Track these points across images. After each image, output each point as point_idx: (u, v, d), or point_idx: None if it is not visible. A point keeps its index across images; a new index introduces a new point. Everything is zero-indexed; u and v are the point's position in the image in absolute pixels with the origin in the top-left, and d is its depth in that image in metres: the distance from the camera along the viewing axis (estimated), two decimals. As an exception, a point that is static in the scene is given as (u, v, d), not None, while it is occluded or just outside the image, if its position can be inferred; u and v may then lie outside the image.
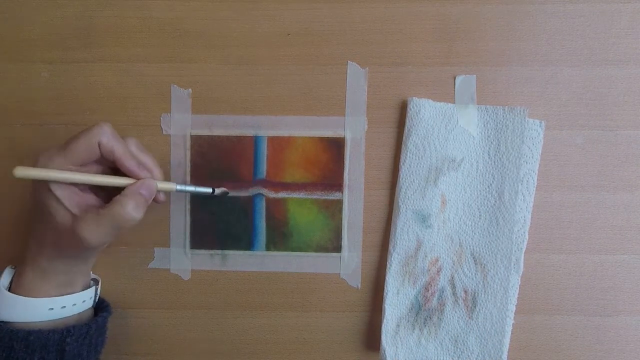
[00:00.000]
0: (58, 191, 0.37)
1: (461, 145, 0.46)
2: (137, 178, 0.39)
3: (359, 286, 0.48)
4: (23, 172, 0.35)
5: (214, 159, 0.47)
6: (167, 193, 0.45)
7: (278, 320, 0.48)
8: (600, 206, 0.47)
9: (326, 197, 0.47)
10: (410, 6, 0.46)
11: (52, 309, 0.39)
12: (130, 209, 0.37)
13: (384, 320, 0.46)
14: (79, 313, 0.41)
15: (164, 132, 0.47)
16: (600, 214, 0.47)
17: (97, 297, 0.44)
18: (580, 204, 0.47)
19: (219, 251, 0.48)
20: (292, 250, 0.48)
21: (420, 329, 0.46)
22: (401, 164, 0.46)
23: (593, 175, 0.46)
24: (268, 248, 0.47)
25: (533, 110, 0.46)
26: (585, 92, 0.46)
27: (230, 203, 0.47)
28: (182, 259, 0.48)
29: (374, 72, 0.47)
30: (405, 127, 0.46)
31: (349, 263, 0.47)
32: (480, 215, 0.46)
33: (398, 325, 0.46)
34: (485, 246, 0.46)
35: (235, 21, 0.47)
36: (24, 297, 0.38)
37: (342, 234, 0.47)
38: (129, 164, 0.39)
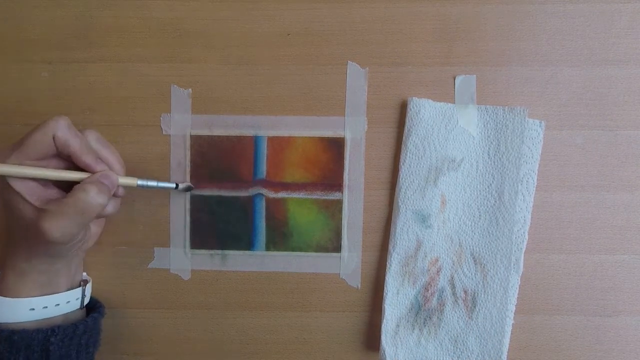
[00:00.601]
0: (17, 185, 0.36)
1: (461, 145, 0.46)
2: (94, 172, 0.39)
3: (359, 286, 0.48)
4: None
5: (214, 159, 0.47)
6: (137, 188, 0.44)
7: (278, 320, 0.48)
8: (600, 206, 0.47)
9: (326, 197, 0.47)
10: (410, 6, 0.46)
11: (34, 309, 0.38)
12: (94, 193, 0.36)
13: (384, 320, 0.46)
14: (65, 314, 0.40)
15: (164, 132, 0.47)
16: (600, 214, 0.47)
17: (86, 299, 0.43)
18: (580, 204, 0.47)
19: (219, 251, 0.48)
20: (292, 250, 0.48)
21: (420, 329, 0.46)
22: (401, 164, 0.46)
23: (593, 175, 0.46)
24: (268, 248, 0.47)
25: (533, 110, 0.46)
26: (585, 92, 0.46)
27: (230, 203, 0.47)
28: (182, 259, 0.48)
29: (374, 72, 0.47)
30: (405, 127, 0.46)
31: (349, 263, 0.47)
32: (480, 216, 0.46)
33: (398, 325, 0.46)
34: (485, 246, 0.46)
35: (235, 21, 0.47)
36: (4, 298, 0.37)
37: (342, 234, 0.47)
38: (85, 158, 0.38)
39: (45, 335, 0.37)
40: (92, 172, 0.38)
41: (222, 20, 0.47)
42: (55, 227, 0.35)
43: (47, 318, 0.39)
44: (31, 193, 0.37)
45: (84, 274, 0.45)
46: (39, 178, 0.37)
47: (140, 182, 0.42)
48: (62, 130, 0.36)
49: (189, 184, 0.46)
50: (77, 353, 0.40)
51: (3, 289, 0.38)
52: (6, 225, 0.40)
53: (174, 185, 0.44)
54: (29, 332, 0.37)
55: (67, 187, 0.39)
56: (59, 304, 0.39)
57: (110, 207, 0.41)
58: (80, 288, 0.42)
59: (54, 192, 0.39)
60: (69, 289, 0.41)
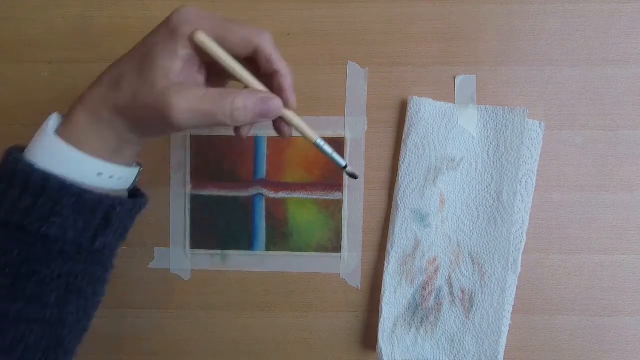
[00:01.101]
0: (187, 51, 0.31)
1: (461, 145, 0.46)
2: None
3: (359, 286, 0.48)
4: (204, 38, 0.31)
5: (214, 159, 0.47)
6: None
7: (278, 320, 0.48)
8: (600, 206, 0.47)
9: (326, 197, 0.47)
10: (410, 6, 0.46)
11: (101, 174, 0.33)
12: (242, 103, 0.32)
13: (381, 319, 0.46)
14: (115, 190, 0.35)
15: (164, 132, 0.47)
16: (600, 214, 0.47)
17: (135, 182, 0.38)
18: (580, 204, 0.47)
19: (219, 251, 0.48)
20: (292, 250, 0.48)
21: (417, 328, 0.46)
22: (400, 162, 0.46)
23: (593, 175, 0.46)
24: (268, 248, 0.48)
25: (533, 110, 0.46)
26: (585, 92, 0.46)
27: (230, 203, 0.47)
28: (182, 259, 0.48)
29: (374, 72, 0.47)
30: (405, 126, 0.46)
31: (349, 263, 0.47)
32: (478, 216, 0.46)
33: (395, 324, 0.46)
34: (483, 246, 0.46)
35: (235, 21, 0.47)
36: (77, 151, 0.32)
37: (342, 234, 0.47)
38: (281, 65, 0.33)
39: (112, 204, 0.33)
40: (276, 90, 0.34)
41: (222, 20, 0.47)
42: (183, 104, 0.31)
43: (105, 189, 0.34)
44: (188, 66, 0.32)
45: None
46: (226, 68, 0.33)
47: (319, 140, 0.37)
48: (269, 44, 0.33)
49: (355, 173, 0.40)
50: (122, 231, 0.36)
51: (72, 135, 0.32)
52: (119, 68, 0.33)
53: (344, 164, 0.38)
54: (97, 195, 0.32)
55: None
56: (122, 177, 0.34)
57: (245, 130, 0.36)
58: (139, 168, 0.37)
59: (199, 78, 0.34)
60: (126, 166, 0.35)
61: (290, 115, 0.35)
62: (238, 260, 0.48)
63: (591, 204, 0.47)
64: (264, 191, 0.47)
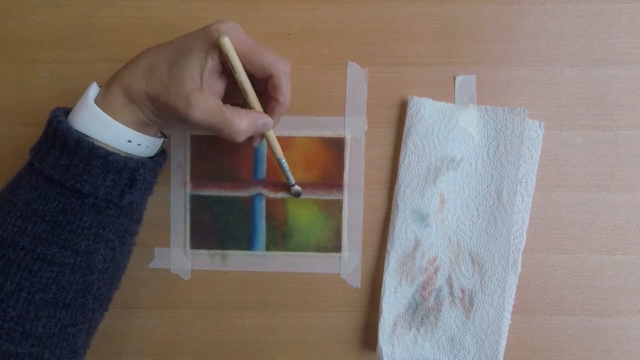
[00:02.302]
0: (215, 62, 0.37)
1: (461, 145, 0.46)
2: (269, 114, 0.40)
3: (359, 286, 0.48)
4: (227, 44, 0.36)
5: (214, 159, 0.47)
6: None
7: (278, 320, 0.48)
8: (600, 206, 0.47)
9: (326, 197, 0.47)
10: (410, 6, 0.46)
11: (131, 142, 0.38)
12: (244, 127, 0.38)
13: (381, 319, 0.46)
14: (143, 157, 0.40)
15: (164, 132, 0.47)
16: (600, 214, 0.47)
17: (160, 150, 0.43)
18: (580, 204, 0.47)
19: (219, 251, 0.48)
20: (292, 250, 0.48)
21: (417, 328, 0.46)
22: (400, 162, 0.46)
23: (593, 175, 0.46)
24: (268, 248, 0.48)
25: (533, 110, 0.46)
26: (585, 92, 0.46)
27: (230, 203, 0.47)
28: (182, 259, 0.48)
29: (374, 72, 0.47)
30: (405, 126, 0.46)
31: (349, 263, 0.47)
32: (478, 215, 0.46)
33: (395, 324, 0.46)
34: (483, 246, 0.46)
35: (235, 21, 0.46)
36: (111, 119, 0.37)
37: (342, 234, 0.47)
38: (277, 110, 0.40)
39: (137, 165, 0.38)
40: (268, 111, 0.40)
41: (222, 20, 0.47)
42: (199, 110, 0.36)
43: (132, 154, 0.39)
44: (216, 77, 0.38)
45: None
46: (236, 77, 0.38)
47: (282, 159, 0.44)
48: (284, 75, 0.39)
49: (300, 190, 0.47)
50: (152, 184, 0.41)
51: (106, 105, 0.37)
52: (156, 58, 0.38)
53: (292, 182, 0.46)
54: (123, 158, 0.37)
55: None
56: (149, 146, 0.40)
57: (257, 141, 0.43)
58: (163, 139, 0.42)
59: (219, 86, 0.39)
60: (152, 136, 0.41)
61: (270, 133, 0.42)
62: (238, 260, 0.48)
63: (591, 204, 0.47)
64: (264, 191, 0.47)
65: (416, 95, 0.46)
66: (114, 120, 0.37)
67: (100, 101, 0.37)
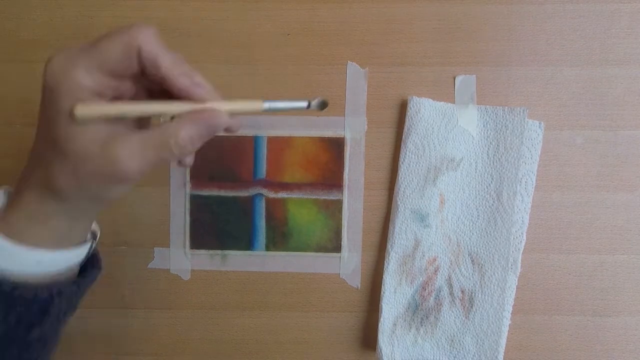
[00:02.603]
0: (84, 94, 0.28)
1: (460, 145, 0.46)
2: (191, 99, 0.30)
3: (359, 286, 0.48)
4: (83, 111, 0.27)
5: (214, 159, 0.47)
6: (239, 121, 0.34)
7: (278, 320, 0.48)
8: (600, 206, 0.47)
9: (326, 197, 0.47)
10: (410, 6, 0.46)
11: (41, 262, 0.31)
12: (187, 138, 0.29)
13: (381, 319, 0.46)
14: (60, 273, 0.32)
15: (164, 132, 0.47)
16: (600, 214, 0.47)
17: (91, 252, 0.35)
18: (580, 204, 0.47)
19: (219, 251, 0.48)
20: (292, 250, 0.48)
21: (417, 329, 0.46)
22: (400, 162, 0.46)
23: (593, 175, 0.46)
24: (268, 248, 0.48)
25: (533, 110, 0.46)
26: (585, 92, 0.46)
27: (230, 203, 0.47)
28: (182, 259, 0.48)
29: (374, 72, 0.47)
30: (405, 126, 0.46)
31: (349, 263, 0.47)
32: (478, 215, 0.46)
33: (395, 325, 0.46)
34: (482, 246, 0.46)
35: (235, 21, 0.47)
36: (12, 244, 0.29)
37: (342, 234, 0.47)
38: (181, 80, 0.29)
39: (50, 295, 0.30)
40: (190, 97, 0.30)
41: (222, 20, 0.47)
42: (133, 157, 0.28)
43: (47, 271, 0.31)
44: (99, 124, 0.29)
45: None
46: (125, 116, 0.29)
47: (267, 104, 0.32)
48: (150, 42, 0.28)
49: (323, 99, 0.34)
50: (67, 311, 0.33)
51: (9, 229, 0.30)
52: (36, 149, 0.30)
53: (305, 104, 0.34)
54: (32, 288, 0.30)
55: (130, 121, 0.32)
56: (69, 260, 0.32)
57: (189, 160, 0.34)
58: (90, 243, 0.34)
59: (120, 126, 0.30)
60: (80, 241, 0.33)
61: (227, 108, 0.31)
62: (238, 260, 0.48)
63: (591, 204, 0.47)
64: (264, 191, 0.47)
65: (416, 95, 0.46)
66: (16, 245, 0.29)
67: (3, 218, 0.30)
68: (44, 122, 0.29)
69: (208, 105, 0.30)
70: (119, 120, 0.30)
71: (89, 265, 0.35)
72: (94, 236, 0.35)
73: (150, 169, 0.30)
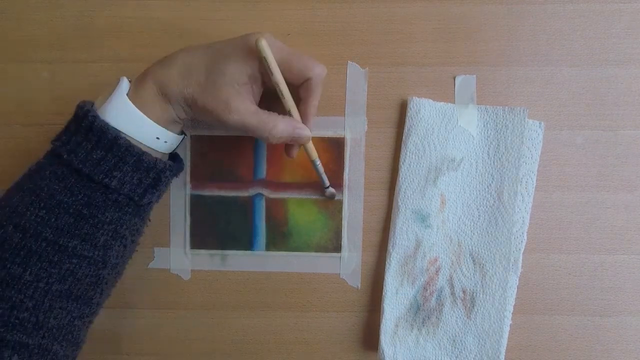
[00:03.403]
0: (253, 70, 0.38)
1: (461, 145, 0.46)
2: (301, 114, 0.41)
3: (359, 286, 0.48)
4: (265, 46, 0.37)
5: (214, 159, 0.47)
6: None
7: (278, 320, 0.48)
8: (600, 206, 0.47)
9: (326, 197, 0.47)
10: (410, 6, 0.46)
11: (159, 138, 0.39)
12: (279, 130, 0.39)
13: (383, 320, 0.46)
14: (163, 153, 0.41)
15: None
16: (600, 214, 0.47)
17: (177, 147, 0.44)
18: (580, 204, 0.47)
19: (219, 251, 0.48)
20: (292, 250, 0.48)
21: (418, 329, 0.46)
22: (401, 163, 0.46)
23: (593, 175, 0.46)
24: (268, 248, 0.48)
25: (533, 110, 0.46)
26: (585, 92, 0.46)
27: (230, 203, 0.47)
28: (182, 259, 0.48)
29: (374, 72, 0.47)
30: (405, 127, 0.46)
31: (349, 263, 0.47)
32: (479, 216, 0.46)
33: (397, 325, 0.46)
34: (484, 246, 0.46)
35: (235, 21, 0.47)
36: (144, 116, 0.37)
37: (342, 234, 0.47)
38: (308, 106, 0.41)
39: (164, 167, 0.39)
40: (302, 112, 0.41)
41: (222, 20, 0.47)
42: (237, 114, 0.38)
43: (155, 149, 0.40)
44: (252, 85, 0.40)
45: None
46: (274, 80, 0.39)
47: (317, 161, 0.44)
48: (319, 76, 0.40)
49: (334, 192, 0.46)
50: (166, 189, 0.42)
51: (139, 101, 0.38)
52: (189, 56, 0.39)
53: (327, 184, 0.46)
54: (153, 158, 0.38)
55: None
56: (173, 143, 0.41)
57: (294, 151, 0.44)
58: (184, 135, 0.43)
59: (255, 93, 0.41)
60: (177, 134, 0.41)
61: (311, 135, 0.42)
62: (238, 261, 0.48)
63: (591, 204, 0.47)
64: (264, 191, 0.47)
65: (416, 96, 0.46)
66: (146, 117, 0.38)
67: (132, 97, 0.38)
68: (219, 52, 0.38)
69: (305, 125, 0.41)
70: (254, 88, 0.40)
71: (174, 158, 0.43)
72: (184, 134, 0.44)
73: (242, 131, 0.39)
